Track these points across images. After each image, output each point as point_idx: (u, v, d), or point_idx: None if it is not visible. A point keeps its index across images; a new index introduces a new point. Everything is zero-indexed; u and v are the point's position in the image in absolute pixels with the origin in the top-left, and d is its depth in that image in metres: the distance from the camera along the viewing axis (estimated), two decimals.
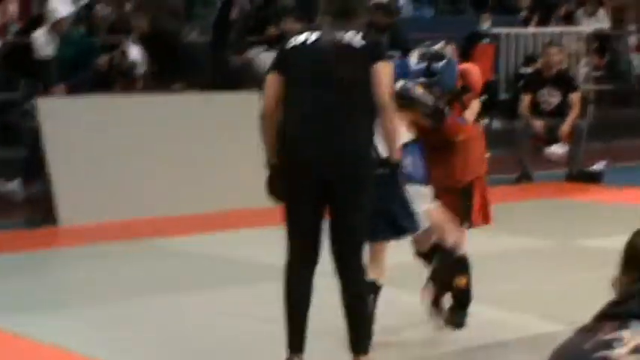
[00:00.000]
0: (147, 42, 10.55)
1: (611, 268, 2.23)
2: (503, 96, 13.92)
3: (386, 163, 4.88)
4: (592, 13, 16.17)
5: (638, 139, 14.27)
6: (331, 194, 4.74)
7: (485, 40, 13.27)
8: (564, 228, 8.94)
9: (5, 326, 5.81)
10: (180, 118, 9.33)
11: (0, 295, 6.59)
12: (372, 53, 4.71)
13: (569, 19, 15.92)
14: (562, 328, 5.23)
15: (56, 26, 9.44)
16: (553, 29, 14.87)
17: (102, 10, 12.23)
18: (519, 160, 11.23)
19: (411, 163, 5.28)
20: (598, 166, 11.24)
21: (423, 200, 5.32)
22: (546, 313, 5.89)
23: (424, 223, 5.31)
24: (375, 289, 5.18)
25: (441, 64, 5.59)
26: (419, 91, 5.44)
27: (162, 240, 8.19)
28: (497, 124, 13.58)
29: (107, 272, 7.25)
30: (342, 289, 4.83)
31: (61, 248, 8.34)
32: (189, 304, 6.38)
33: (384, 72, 4.70)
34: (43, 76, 9.78)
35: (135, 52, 11.70)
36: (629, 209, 9.33)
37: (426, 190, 5.40)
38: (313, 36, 4.80)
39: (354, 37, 4.72)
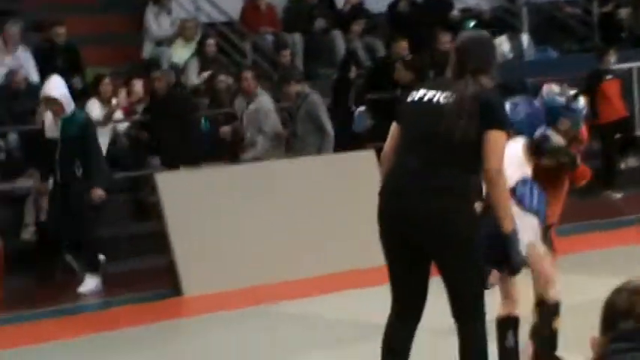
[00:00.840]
0: None
1: None
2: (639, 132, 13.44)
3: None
4: None
5: None
6: (427, 253, 4.66)
7: (609, 77, 12.74)
8: None
9: None
10: (298, 182, 9.35)
11: None
12: (487, 119, 4.53)
13: None
14: None
15: (52, 107, 9.13)
16: None
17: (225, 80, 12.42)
18: None
19: (529, 194, 5.25)
20: None
21: (530, 233, 5.22)
22: None
23: (524, 256, 5.13)
24: (504, 324, 5.23)
25: (581, 104, 5.59)
26: (557, 138, 5.39)
27: (282, 304, 8.20)
28: (632, 162, 13.09)
29: (230, 340, 7.32)
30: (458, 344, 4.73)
31: (186, 318, 8.44)
32: None
33: (495, 141, 4.52)
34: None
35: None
36: None
37: (536, 223, 5.31)
38: (430, 93, 4.67)
39: (472, 99, 4.53)
